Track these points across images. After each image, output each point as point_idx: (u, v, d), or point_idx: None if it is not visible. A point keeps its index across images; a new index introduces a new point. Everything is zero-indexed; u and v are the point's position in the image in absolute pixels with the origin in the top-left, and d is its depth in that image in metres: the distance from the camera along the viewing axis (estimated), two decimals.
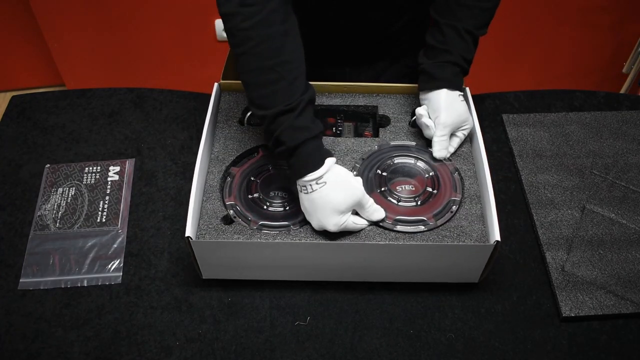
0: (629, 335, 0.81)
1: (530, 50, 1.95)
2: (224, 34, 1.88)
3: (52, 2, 1.79)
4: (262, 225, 0.82)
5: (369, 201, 0.80)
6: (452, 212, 0.83)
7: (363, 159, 0.89)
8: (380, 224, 0.81)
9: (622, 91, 1.91)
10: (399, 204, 0.84)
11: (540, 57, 1.98)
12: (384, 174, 0.87)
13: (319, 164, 0.76)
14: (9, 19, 1.98)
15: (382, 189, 0.86)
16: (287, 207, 0.85)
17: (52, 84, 2.21)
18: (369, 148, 0.90)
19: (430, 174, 0.88)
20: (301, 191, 0.79)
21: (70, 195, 0.95)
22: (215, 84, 0.95)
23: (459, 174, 0.87)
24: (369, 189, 0.85)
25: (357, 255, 0.79)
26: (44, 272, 0.87)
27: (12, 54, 2.10)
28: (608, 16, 1.84)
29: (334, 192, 0.77)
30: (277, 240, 0.80)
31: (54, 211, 0.93)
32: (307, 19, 0.85)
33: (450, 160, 0.89)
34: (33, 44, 2.05)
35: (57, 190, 0.96)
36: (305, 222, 0.82)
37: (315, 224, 0.80)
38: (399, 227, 0.81)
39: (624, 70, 1.87)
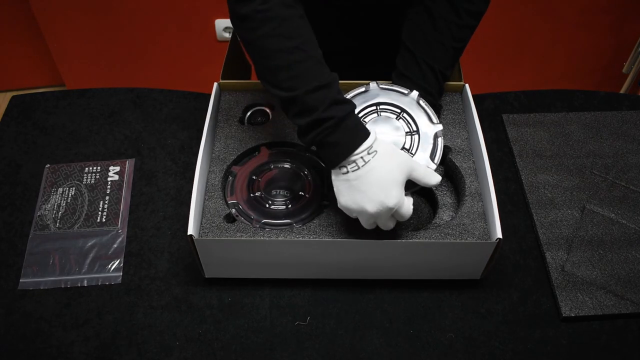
0: (629, 335, 0.81)
1: (530, 50, 1.95)
2: (224, 34, 1.89)
3: (52, 2, 1.79)
4: (265, 223, 0.82)
5: (421, 165, 0.75)
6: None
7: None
8: None
9: (622, 91, 1.91)
10: None
11: (540, 57, 1.98)
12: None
13: (367, 132, 0.72)
14: (9, 19, 1.98)
15: None
16: (289, 205, 0.85)
17: (52, 84, 2.21)
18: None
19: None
20: (349, 171, 0.72)
21: (70, 195, 0.95)
22: (215, 84, 0.95)
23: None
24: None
25: (361, 252, 0.79)
26: (44, 272, 0.87)
27: (12, 54, 2.10)
28: (608, 16, 1.84)
29: (388, 159, 0.71)
30: (280, 238, 0.80)
31: (54, 211, 0.93)
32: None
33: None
34: (33, 44, 2.05)
35: (57, 190, 0.96)
36: (307, 220, 0.82)
37: (371, 207, 0.71)
38: None
39: (624, 70, 1.87)
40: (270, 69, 0.74)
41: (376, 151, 0.71)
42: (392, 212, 0.73)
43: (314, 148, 0.89)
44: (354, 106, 0.74)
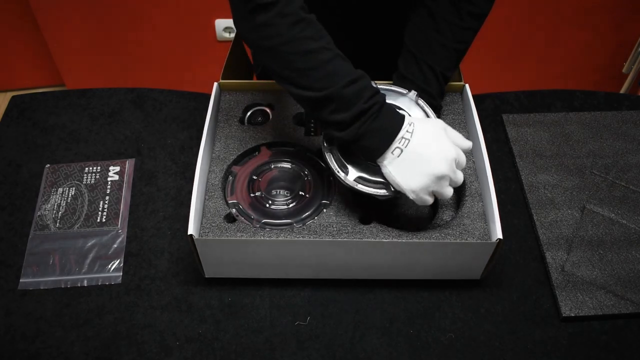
0: (629, 335, 0.81)
1: (530, 50, 1.95)
2: (224, 34, 1.89)
3: (52, 2, 1.79)
4: (265, 223, 0.82)
5: (450, 129, 0.77)
6: None
7: None
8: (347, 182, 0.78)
9: (622, 91, 1.91)
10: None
11: (540, 57, 1.98)
12: None
13: (399, 109, 0.76)
14: (9, 19, 1.98)
15: None
16: (290, 205, 0.85)
17: (52, 84, 2.21)
18: None
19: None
20: (402, 149, 0.72)
21: (70, 195, 0.95)
22: (215, 84, 0.95)
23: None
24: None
25: (361, 252, 0.79)
26: (44, 272, 0.87)
27: (12, 54, 2.10)
28: (608, 16, 1.84)
29: (427, 126, 0.74)
30: (280, 238, 0.80)
31: (54, 211, 0.93)
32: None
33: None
34: (33, 44, 2.05)
35: (57, 190, 0.96)
36: (307, 220, 0.82)
37: (442, 165, 0.72)
38: (360, 187, 0.78)
39: (624, 70, 1.87)
40: (300, 72, 0.73)
41: (413, 123, 0.73)
42: (454, 167, 0.74)
43: (322, 147, 0.87)
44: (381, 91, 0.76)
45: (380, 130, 0.73)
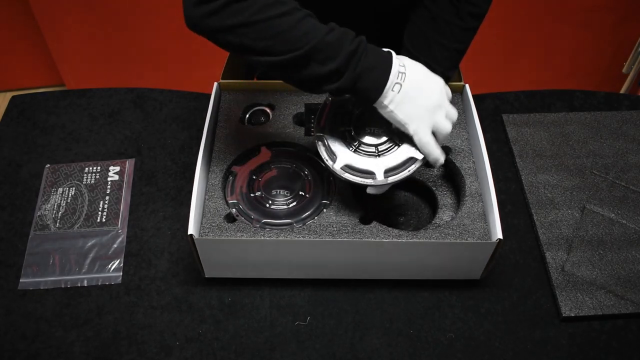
0: (629, 335, 0.81)
1: (530, 50, 1.95)
2: None
3: (52, 2, 1.79)
4: (265, 223, 0.82)
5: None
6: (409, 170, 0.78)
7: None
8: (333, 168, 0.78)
9: (622, 91, 1.91)
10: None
11: (540, 57, 1.98)
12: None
13: (389, 53, 0.73)
14: (9, 19, 1.98)
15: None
16: (290, 205, 0.85)
17: (52, 84, 2.21)
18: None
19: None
20: (401, 83, 0.72)
21: (70, 195, 0.95)
22: (215, 84, 0.95)
23: None
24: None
25: (361, 252, 0.79)
26: (44, 272, 0.87)
27: (12, 54, 2.10)
28: (608, 16, 1.84)
29: (412, 61, 0.74)
30: (280, 238, 0.80)
31: (54, 211, 0.93)
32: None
33: None
34: (33, 44, 2.05)
35: (57, 190, 0.96)
36: (307, 220, 0.82)
37: (438, 95, 0.74)
38: (346, 176, 0.78)
39: (624, 70, 1.87)
40: (278, 36, 0.71)
41: (404, 65, 0.73)
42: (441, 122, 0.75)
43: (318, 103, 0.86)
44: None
45: (374, 68, 0.71)
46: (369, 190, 0.78)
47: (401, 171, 0.77)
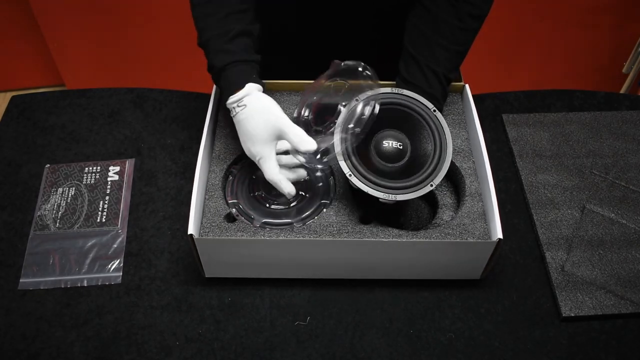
0: (629, 335, 0.81)
1: (530, 50, 1.95)
2: None
3: (52, 2, 1.79)
4: (265, 223, 0.82)
5: (295, 129, 0.77)
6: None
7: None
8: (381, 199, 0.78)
9: (622, 91, 1.91)
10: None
11: (540, 57, 1.98)
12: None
13: (240, 85, 0.80)
14: (9, 19, 1.98)
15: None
16: (290, 205, 0.85)
17: (52, 84, 2.21)
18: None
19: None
20: (233, 115, 0.81)
21: (70, 195, 0.95)
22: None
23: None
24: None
25: (361, 252, 0.80)
26: (44, 272, 0.87)
27: (12, 54, 2.10)
28: (608, 16, 1.84)
29: (254, 116, 0.79)
30: (280, 238, 0.80)
31: (54, 211, 0.93)
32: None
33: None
34: (33, 44, 2.05)
35: (57, 190, 0.96)
36: (308, 218, 0.83)
37: (246, 151, 0.81)
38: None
39: (624, 70, 1.87)
40: (197, 20, 0.86)
41: (245, 105, 0.79)
42: (270, 158, 0.79)
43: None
44: (241, 57, 0.81)
45: (222, 89, 0.83)
46: (382, 200, 0.79)
47: (412, 191, 0.78)
